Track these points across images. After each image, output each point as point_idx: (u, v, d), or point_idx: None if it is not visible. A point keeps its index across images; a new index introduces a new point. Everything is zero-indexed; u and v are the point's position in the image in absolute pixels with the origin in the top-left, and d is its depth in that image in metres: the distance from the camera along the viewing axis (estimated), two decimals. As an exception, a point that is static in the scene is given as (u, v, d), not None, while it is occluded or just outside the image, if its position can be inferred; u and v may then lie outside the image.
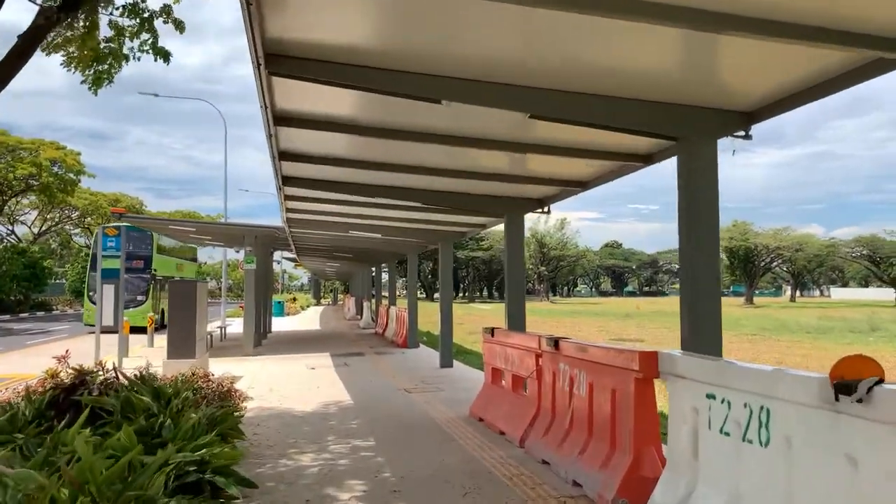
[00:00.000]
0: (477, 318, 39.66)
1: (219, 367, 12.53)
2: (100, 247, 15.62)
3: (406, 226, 14.70)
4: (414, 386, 11.56)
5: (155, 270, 29.28)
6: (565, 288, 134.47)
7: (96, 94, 8.95)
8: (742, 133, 5.60)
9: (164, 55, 8.74)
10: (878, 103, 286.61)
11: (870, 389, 2.87)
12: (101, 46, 8.34)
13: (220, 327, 24.10)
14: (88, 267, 30.35)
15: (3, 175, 45.21)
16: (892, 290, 73.80)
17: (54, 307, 51.85)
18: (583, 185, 8.80)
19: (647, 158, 7.14)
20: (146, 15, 7.92)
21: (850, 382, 2.98)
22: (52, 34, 7.63)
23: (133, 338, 19.00)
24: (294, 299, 55.79)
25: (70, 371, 7.01)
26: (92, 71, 8.51)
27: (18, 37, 6.02)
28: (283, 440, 7.51)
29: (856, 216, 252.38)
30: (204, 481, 5.11)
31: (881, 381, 2.89)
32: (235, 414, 7.64)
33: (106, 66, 8.58)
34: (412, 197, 10.22)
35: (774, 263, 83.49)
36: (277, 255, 43.79)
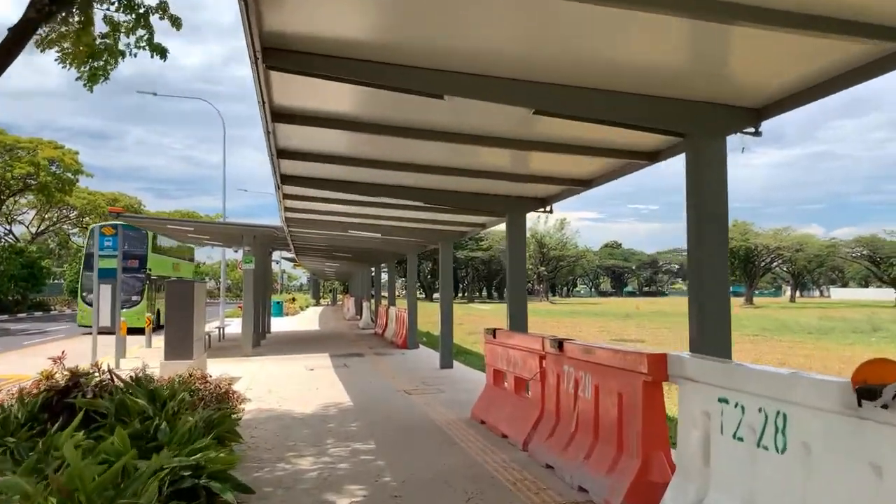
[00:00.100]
0: (476, 318, 39.54)
1: (217, 368, 12.39)
2: (96, 246, 15.46)
3: (406, 225, 14.57)
4: (414, 387, 11.43)
5: (150, 270, 28.87)
6: (565, 288, 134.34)
7: (92, 91, 8.81)
8: (752, 130, 5.48)
9: (161, 52, 8.59)
10: (877, 104, 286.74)
11: (896, 395, 2.74)
12: (97, 43, 8.19)
13: (219, 328, 23.96)
14: (82, 266, 29.92)
15: (0, 174, 45.04)
16: (893, 290, 73.72)
17: (52, 307, 51.69)
18: (586, 183, 8.67)
19: (653, 156, 7.00)
20: (142, 10, 7.77)
21: (873, 387, 2.85)
22: (46, 29, 7.49)
23: (131, 339, 18.89)
24: (293, 299, 55.64)
25: (65, 372, 6.89)
26: (87, 68, 8.37)
27: (9, 30, 5.88)
28: (282, 443, 7.38)
29: (855, 216, 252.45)
30: (199, 487, 4.98)
31: (907, 385, 2.76)
32: (233, 416, 7.52)
33: (101, 63, 8.43)
34: (412, 196, 10.09)
35: (774, 264, 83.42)
36: (276, 255, 43.65)
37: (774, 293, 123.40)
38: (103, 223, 32.68)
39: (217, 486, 5.04)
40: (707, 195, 5.32)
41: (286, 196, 11.35)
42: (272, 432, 7.95)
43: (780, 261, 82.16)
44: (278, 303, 41.75)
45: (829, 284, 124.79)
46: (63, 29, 7.50)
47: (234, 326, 25.79)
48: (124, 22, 7.72)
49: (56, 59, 7.85)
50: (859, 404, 2.91)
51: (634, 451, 4.85)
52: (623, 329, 30.53)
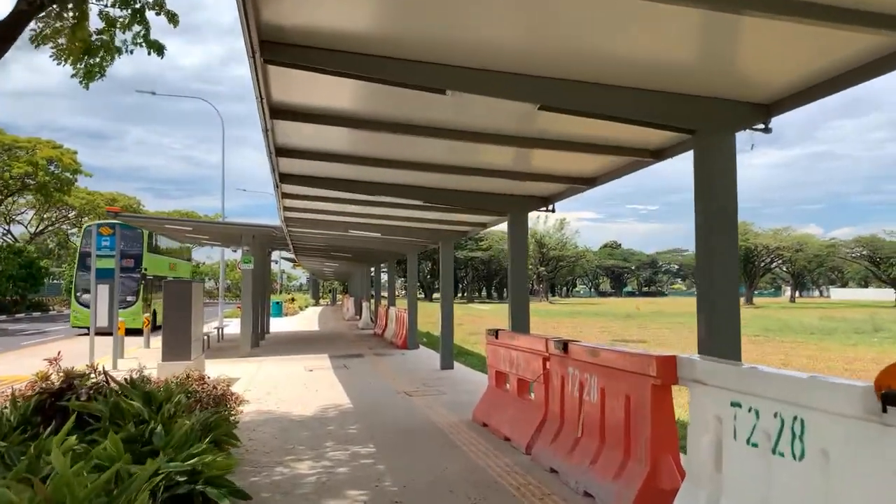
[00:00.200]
0: (476, 318, 39.43)
1: (215, 369, 12.28)
2: (93, 245, 15.30)
3: (406, 225, 14.43)
4: (415, 389, 11.29)
5: (145, 270, 28.41)
6: (564, 288, 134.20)
7: (88, 88, 8.70)
8: (761, 126, 5.35)
9: (158, 48, 8.47)
10: (877, 104, 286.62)
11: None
12: (93, 39, 8.07)
13: (218, 328, 23.82)
14: (76, 266, 29.36)
15: (-1, 174, 44.94)
16: (892, 290, 73.65)
17: (51, 307, 51.50)
18: (590, 182, 8.54)
19: (658, 154, 6.88)
20: (138, 6, 7.65)
21: (899, 392, 2.71)
22: (40, 25, 7.36)
23: (128, 339, 18.75)
24: (292, 299, 55.50)
25: (60, 374, 6.75)
26: (83, 64, 8.25)
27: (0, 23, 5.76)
28: (280, 446, 7.24)
29: (854, 217, 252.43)
30: (195, 492, 4.85)
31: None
32: (231, 419, 7.39)
33: (97, 60, 8.32)
34: (413, 195, 9.95)
35: (774, 264, 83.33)
36: (276, 255, 43.51)
37: (774, 293, 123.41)
38: (97, 222, 32.47)
39: (213, 491, 4.91)
40: (716, 193, 5.19)
41: (285, 195, 11.22)
42: (270, 435, 7.81)
43: (779, 261, 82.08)
44: (277, 303, 41.59)
45: (828, 284, 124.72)
46: (57, 24, 7.38)
47: (233, 327, 25.64)
48: (120, 18, 7.59)
49: (51, 56, 7.74)
50: (884, 410, 2.78)
51: (642, 456, 4.71)
52: (624, 329, 30.40)
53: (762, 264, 79.12)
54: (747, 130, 5.37)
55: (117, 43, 8.26)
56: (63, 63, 7.78)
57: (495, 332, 8.41)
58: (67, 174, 48.20)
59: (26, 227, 59.79)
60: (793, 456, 3.34)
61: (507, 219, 10.38)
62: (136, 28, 7.69)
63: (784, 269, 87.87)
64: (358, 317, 33.37)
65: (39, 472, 4.45)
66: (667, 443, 4.64)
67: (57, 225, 60.70)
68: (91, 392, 6.28)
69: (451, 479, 5.91)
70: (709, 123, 5.23)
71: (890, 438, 2.78)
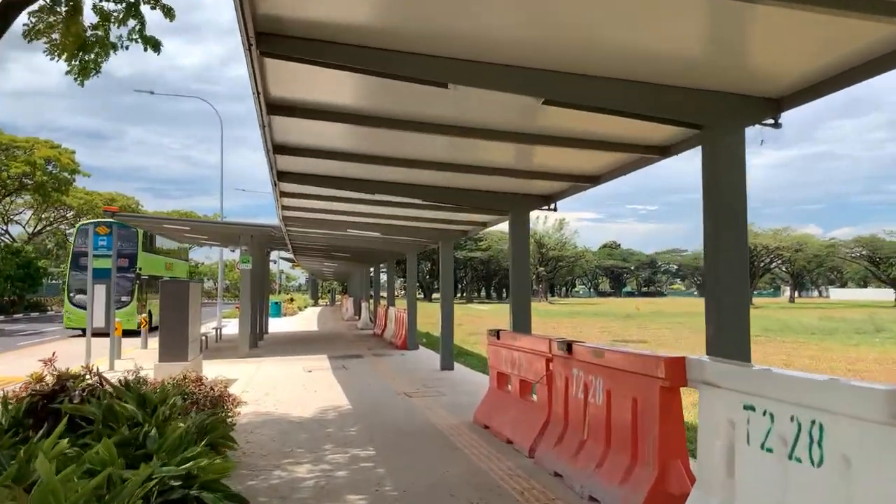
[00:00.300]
0: (476, 318, 39.30)
1: (213, 370, 12.14)
2: (90, 245, 15.16)
3: (406, 224, 14.29)
4: (415, 390, 11.15)
5: (140, 269, 27.95)
6: (563, 288, 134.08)
7: (82, 85, 8.55)
8: (771, 121, 5.21)
9: (154, 45, 8.34)
10: (877, 104, 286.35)
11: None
12: (88, 34, 7.93)
13: (216, 328, 23.68)
14: (68, 266, 28.83)
15: (-4, 174, 44.78)
16: (892, 290, 73.60)
17: (49, 308, 51.32)
18: (593, 179, 8.40)
19: (664, 150, 6.74)
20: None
21: (928, 396, 2.58)
22: (34, 19, 7.22)
23: (126, 340, 18.60)
24: (291, 300, 55.37)
25: (55, 375, 6.61)
26: (78, 61, 8.11)
27: (-11, 13, 5.63)
28: (278, 449, 7.11)
29: (854, 217, 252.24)
30: (190, 497, 4.71)
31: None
32: (228, 420, 7.25)
33: (92, 56, 8.17)
34: (413, 193, 9.81)
35: (774, 264, 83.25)
36: (274, 255, 43.32)
37: (773, 293, 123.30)
38: (91, 221, 32.18)
39: (209, 496, 4.77)
40: (725, 189, 5.05)
41: (283, 194, 11.08)
42: (268, 437, 7.68)
43: (779, 261, 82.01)
44: (276, 303, 41.44)
45: (827, 285, 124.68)
46: (51, 19, 7.23)
47: (232, 327, 25.50)
48: (114, 12, 7.45)
49: (44, 52, 7.59)
50: (911, 415, 2.65)
51: (650, 461, 4.58)
52: (624, 330, 30.27)
53: (762, 264, 79.00)
54: (756, 126, 5.22)
55: (112, 39, 8.12)
56: (57, 58, 7.64)
57: (497, 333, 8.27)
58: (65, 174, 48.10)
59: (24, 228, 59.63)
60: (811, 462, 3.21)
61: (508, 218, 10.24)
62: (132, 23, 7.55)
63: (783, 269, 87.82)
64: (357, 317, 33.23)
65: (29, 477, 4.31)
66: (675, 446, 4.51)
67: (55, 225, 60.55)
68: (84, 394, 6.14)
69: (452, 483, 5.77)
70: (717, 118, 5.10)
71: (917, 444, 2.65)
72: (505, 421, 7.48)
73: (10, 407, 6.02)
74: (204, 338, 18.82)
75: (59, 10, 7.09)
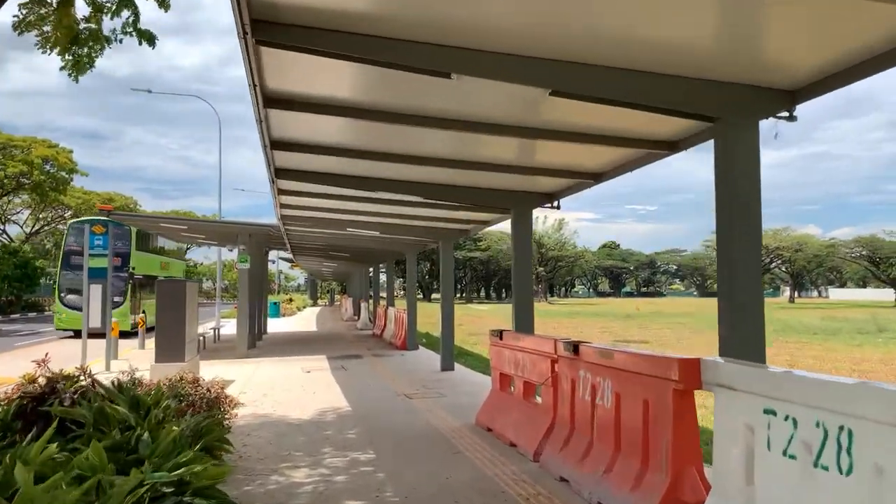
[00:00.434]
0: (476, 318, 39.14)
1: (210, 371, 11.96)
2: (86, 243, 14.95)
3: (406, 223, 14.11)
4: (415, 391, 10.97)
5: (133, 269, 26.98)
6: (563, 288, 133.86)
7: (77, 81, 8.34)
8: (785, 114, 5.03)
9: (149, 38, 8.11)
10: (876, 104, 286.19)
11: None
12: (81, 28, 7.73)
13: (214, 329, 23.48)
14: (59, 265, 28.06)
15: (-7, 173, 44.55)
16: (892, 290, 73.46)
17: (46, 308, 51.08)
18: (598, 176, 8.22)
19: (673, 146, 6.56)
20: (125, -10, 7.30)
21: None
22: (24, 10, 7.02)
23: (122, 341, 18.40)
24: (290, 300, 55.20)
25: (51, 376, 6.41)
26: (71, 55, 7.91)
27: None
28: (276, 452, 6.92)
29: (853, 217, 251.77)
30: (183, 504, 4.53)
31: None
32: (225, 423, 7.07)
33: (86, 50, 7.97)
34: (413, 191, 9.63)
35: (773, 264, 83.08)
36: (273, 255, 43.13)
37: (773, 293, 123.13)
38: (83, 219, 31.85)
39: (202, 503, 4.59)
40: (739, 185, 4.87)
41: (281, 191, 10.89)
42: (266, 440, 7.49)
43: (779, 261, 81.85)
44: (275, 303, 41.26)
45: (826, 285, 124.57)
46: (42, 11, 7.02)
47: (230, 327, 25.29)
48: (107, 3, 7.24)
49: (35, 45, 7.38)
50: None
51: (663, 466, 4.40)
52: (625, 330, 30.09)
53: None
54: (770, 119, 5.04)
55: (106, 32, 7.91)
56: (48, 52, 7.43)
57: (499, 333, 8.09)
58: (63, 173, 47.85)
59: (22, 227, 59.40)
60: (839, 470, 3.02)
61: (509, 216, 10.06)
62: (125, 14, 7.34)
63: (783, 269, 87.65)
64: (356, 317, 33.04)
65: (14, 483, 4.13)
66: (689, 452, 4.33)
67: (53, 225, 60.28)
68: (75, 396, 5.95)
69: (455, 489, 5.58)
70: (731, 111, 4.91)
71: (960, 453, 2.46)
72: (508, 423, 7.29)
73: (-2, 409, 5.84)
74: (202, 338, 18.64)
75: (49, 0, 6.89)
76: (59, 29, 7.14)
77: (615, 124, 6.26)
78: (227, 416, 7.37)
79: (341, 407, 9.58)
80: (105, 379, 6.92)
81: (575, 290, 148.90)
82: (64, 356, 14.56)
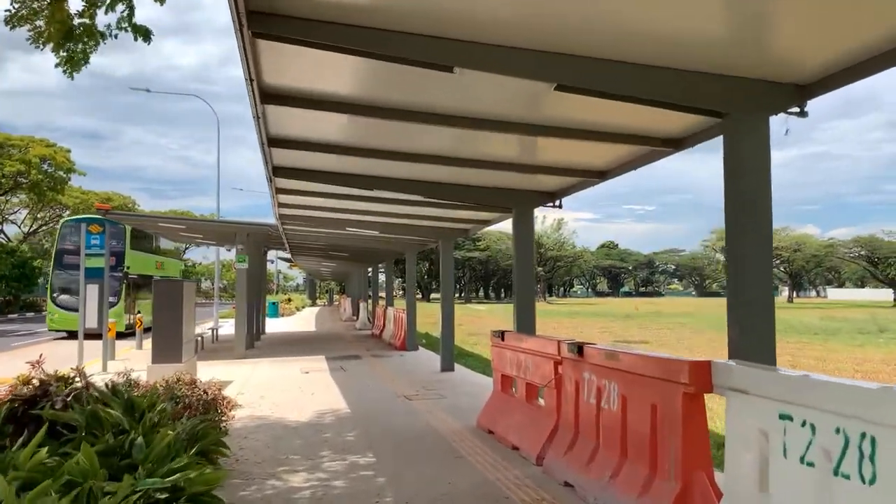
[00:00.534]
0: (475, 318, 39.01)
1: (208, 372, 11.81)
2: (83, 243, 14.80)
3: (406, 222, 13.96)
4: (415, 392, 10.83)
5: (128, 268, 26.37)
6: (561, 288, 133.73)
7: (72, 78, 8.21)
8: (796, 109, 4.90)
9: (144, 34, 7.97)
10: (875, 104, 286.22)
11: None
12: (75, 23, 7.59)
13: (212, 329, 23.33)
14: (52, 264, 27.26)
15: (-9, 172, 44.36)
16: (891, 290, 73.41)
17: (44, 308, 50.84)
18: (601, 174, 8.09)
19: (678, 143, 6.43)
20: (120, -17, 7.15)
21: None
22: (16, 5, 6.88)
23: (120, 341, 18.26)
24: (289, 300, 55.06)
25: (43, 377, 6.27)
26: (65, 52, 7.78)
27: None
28: (273, 456, 6.78)
29: (851, 217, 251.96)
30: (176, 511, 4.39)
31: None
32: (222, 426, 6.93)
33: (80, 46, 7.83)
34: (413, 189, 9.48)
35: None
36: (272, 255, 43.00)
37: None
38: (76, 217, 31.50)
39: (197, 510, 4.46)
40: (749, 182, 4.74)
41: (279, 190, 10.75)
42: (263, 443, 7.35)
43: (778, 261, 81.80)
44: (274, 303, 41.12)
45: (825, 285, 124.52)
46: (34, 4, 6.88)
47: (229, 327, 25.13)
48: (101, -3, 7.11)
49: (28, 39, 7.25)
50: None
51: (672, 472, 4.26)
52: (625, 330, 29.98)
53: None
54: (781, 114, 4.91)
55: (100, 27, 7.77)
56: (41, 47, 7.29)
57: (501, 334, 7.95)
58: (61, 173, 47.67)
59: (19, 227, 59.19)
60: (861, 479, 2.89)
61: (510, 216, 9.91)
62: (120, 8, 7.20)
63: (782, 269, 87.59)
64: (355, 317, 32.90)
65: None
66: (699, 458, 4.19)
67: (51, 224, 60.01)
68: (68, 399, 5.81)
69: (457, 494, 5.45)
70: (741, 106, 4.78)
71: None
72: (510, 426, 7.16)
73: (-11, 412, 5.69)
74: (199, 339, 18.50)
75: (41, -6, 6.75)
76: (53, 24, 7.00)
77: (620, 120, 6.13)
78: (224, 419, 7.24)
79: (340, 409, 9.45)
80: (102, 380, 6.79)
81: (573, 289, 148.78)
82: (60, 357, 14.41)
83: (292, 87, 5.86)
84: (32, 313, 46.28)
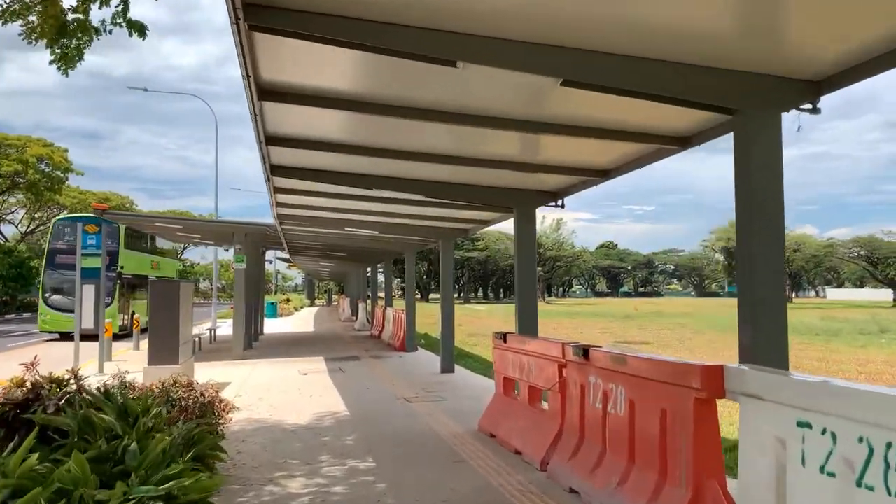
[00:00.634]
0: (475, 319, 38.88)
1: (205, 373, 11.67)
2: (79, 242, 14.64)
3: (405, 222, 13.82)
4: (415, 394, 10.69)
5: (121, 268, 25.51)
6: (560, 289, 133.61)
7: (67, 75, 8.09)
8: (809, 106, 4.77)
9: (140, 29, 7.84)
10: (874, 105, 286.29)
11: None
12: (68, 18, 7.45)
13: (210, 329, 23.18)
14: (44, 264, 26.29)
15: (-12, 172, 44.19)
16: (890, 290, 73.36)
17: (42, 308, 50.72)
18: (604, 173, 7.95)
19: (685, 141, 6.29)
20: (114, -22, 7.02)
21: None
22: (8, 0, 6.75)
23: (116, 342, 18.11)
24: (288, 300, 54.91)
25: (36, 380, 6.12)
26: (59, 48, 7.64)
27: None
28: (271, 460, 6.64)
29: (850, 217, 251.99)
30: (171, 520, 4.26)
31: None
32: (219, 429, 6.79)
33: (74, 42, 7.70)
34: (413, 188, 9.34)
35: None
36: (270, 255, 42.87)
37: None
38: (68, 216, 31.26)
39: (192, 518, 4.32)
40: (760, 181, 4.62)
41: (277, 189, 10.61)
42: (261, 447, 7.22)
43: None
44: (272, 304, 40.98)
45: (824, 285, 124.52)
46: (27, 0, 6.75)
47: (227, 328, 25.01)
48: (95, -9, 6.97)
49: (21, 35, 7.11)
50: None
51: (682, 480, 4.13)
52: (625, 331, 29.85)
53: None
54: (793, 111, 4.78)
55: (95, 23, 7.64)
56: (34, 43, 7.16)
57: (503, 336, 7.81)
58: (58, 172, 47.50)
59: (17, 227, 58.99)
60: (886, 491, 2.76)
61: (512, 215, 9.77)
62: (115, 3, 7.07)
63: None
64: (354, 318, 32.76)
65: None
66: (712, 465, 4.06)
67: (48, 224, 59.92)
68: (60, 403, 5.66)
69: (458, 500, 5.31)
70: (752, 102, 4.64)
71: None
72: (513, 430, 7.02)
73: (-21, 417, 5.54)
74: (197, 339, 18.34)
75: (34, -12, 6.62)
76: (46, 19, 6.87)
77: (626, 117, 6.00)
78: (221, 422, 7.10)
79: (339, 411, 9.31)
80: (98, 381, 6.64)
81: (572, 290, 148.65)
82: (56, 358, 14.28)
83: (290, 83, 5.72)
84: (29, 314, 46.03)
